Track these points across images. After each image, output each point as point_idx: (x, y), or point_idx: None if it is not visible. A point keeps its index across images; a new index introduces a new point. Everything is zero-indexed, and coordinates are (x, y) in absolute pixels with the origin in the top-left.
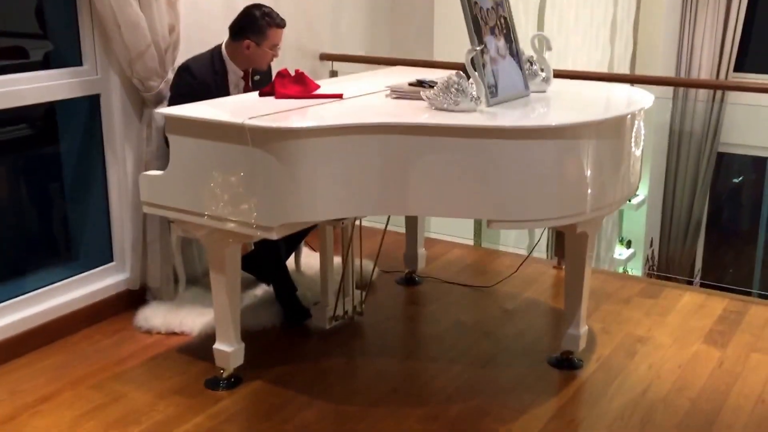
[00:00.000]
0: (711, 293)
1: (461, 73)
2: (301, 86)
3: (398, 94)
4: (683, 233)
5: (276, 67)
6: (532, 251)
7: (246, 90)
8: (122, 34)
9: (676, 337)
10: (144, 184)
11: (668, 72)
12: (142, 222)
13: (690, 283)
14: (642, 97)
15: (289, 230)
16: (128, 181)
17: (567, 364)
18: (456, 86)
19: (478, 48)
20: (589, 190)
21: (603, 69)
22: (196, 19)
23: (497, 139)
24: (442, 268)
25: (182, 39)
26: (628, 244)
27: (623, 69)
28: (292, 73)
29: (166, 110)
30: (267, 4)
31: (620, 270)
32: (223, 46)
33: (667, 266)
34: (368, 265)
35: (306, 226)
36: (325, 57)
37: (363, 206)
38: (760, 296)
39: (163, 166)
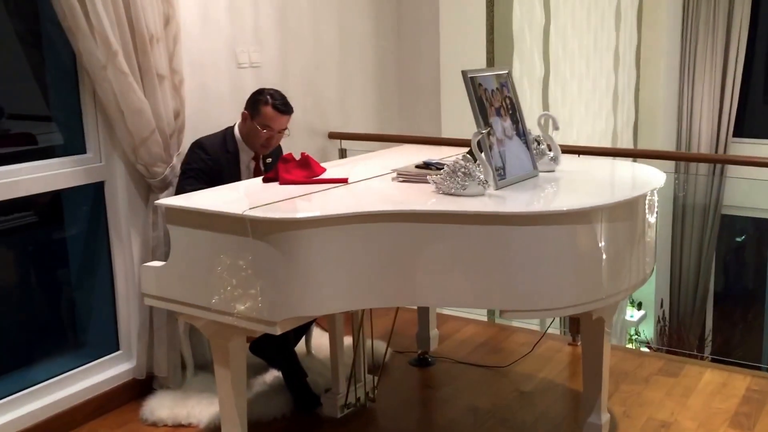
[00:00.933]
0: (732, 370)
1: (468, 156)
2: (305, 170)
3: (404, 177)
4: (692, 292)
5: (286, 145)
6: (546, 330)
7: (256, 172)
8: (126, 120)
9: (700, 422)
10: (144, 276)
11: (669, 136)
12: (148, 308)
13: (702, 343)
14: (654, 177)
15: (293, 324)
16: (134, 268)
17: None
18: (463, 170)
19: (484, 131)
20: (604, 276)
21: (607, 136)
22: (203, 102)
23: (507, 226)
24: (456, 347)
25: (189, 122)
26: (639, 306)
27: (627, 136)
28: (298, 157)
29: (165, 201)
30: (277, 87)
31: (632, 330)
32: (236, 127)
33: (678, 326)
34: (380, 345)
35: (310, 319)
36: (333, 135)
37: (369, 298)
38: None
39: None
